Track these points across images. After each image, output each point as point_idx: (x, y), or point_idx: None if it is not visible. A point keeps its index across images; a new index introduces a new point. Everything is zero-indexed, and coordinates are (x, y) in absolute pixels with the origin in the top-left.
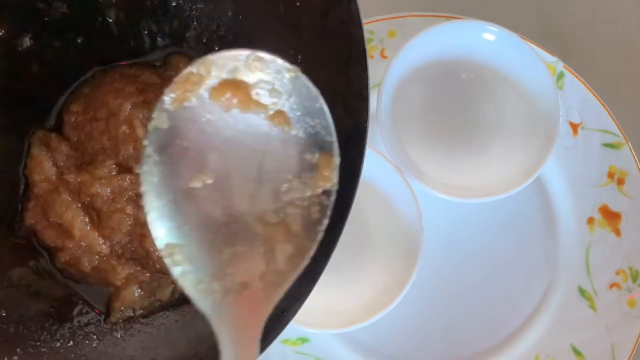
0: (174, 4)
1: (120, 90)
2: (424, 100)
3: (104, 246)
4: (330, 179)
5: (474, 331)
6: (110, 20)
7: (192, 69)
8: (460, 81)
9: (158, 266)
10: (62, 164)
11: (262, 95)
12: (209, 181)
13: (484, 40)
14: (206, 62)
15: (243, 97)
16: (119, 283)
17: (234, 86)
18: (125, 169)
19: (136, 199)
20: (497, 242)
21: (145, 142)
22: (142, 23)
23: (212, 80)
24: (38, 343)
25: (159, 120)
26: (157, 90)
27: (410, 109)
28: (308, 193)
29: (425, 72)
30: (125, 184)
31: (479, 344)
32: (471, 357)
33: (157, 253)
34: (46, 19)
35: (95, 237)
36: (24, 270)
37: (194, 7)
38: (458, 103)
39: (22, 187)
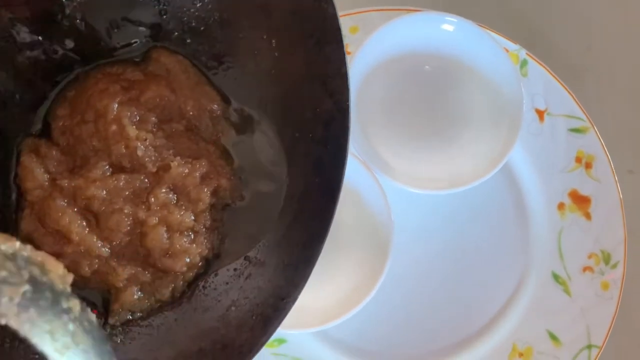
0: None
1: (104, 90)
2: (389, 94)
3: (103, 249)
4: None
5: (450, 322)
6: (77, 20)
7: None
8: (424, 73)
9: (160, 264)
10: (53, 169)
11: None
12: None
13: (444, 31)
14: None
15: None
16: (121, 284)
17: None
18: (119, 168)
19: (133, 198)
20: (469, 232)
21: None
22: (110, 20)
23: None
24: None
25: None
26: (142, 87)
27: (375, 104)
28: None
29: (388, 66)
30: (121, 183)
31: (455, 335)
32: (448, 348)
33: (157, 250)
34: (10, 27)
35: (95, 240)
36: None
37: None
38: (422, 95)
39: (14, 196)
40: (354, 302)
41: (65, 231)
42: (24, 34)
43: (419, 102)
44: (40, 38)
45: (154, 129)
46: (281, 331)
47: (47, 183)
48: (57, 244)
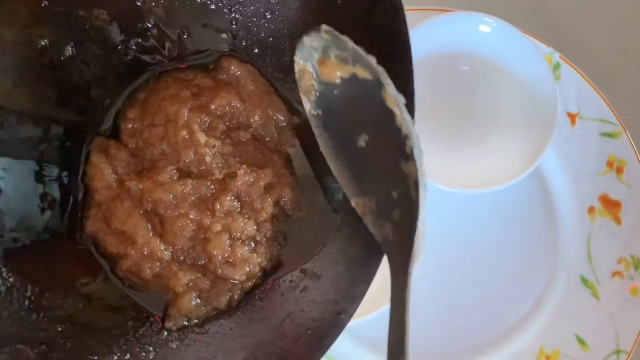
0: (213, 7)
1: (176, 95)
2: (423, 93)
3: (166, 252)
4: None
5: (478, 323)
6: (151, 26)
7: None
8: (458, 74)
9: (220, 271)
10: (122, 171)
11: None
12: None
13: (481, 32)
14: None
15: (338, 69)
16: (181, 290)
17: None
18: (187, 174)
19: (199, 204)
20: (499, 234)
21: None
22: (182, 27)
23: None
24: (95, 357)
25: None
26: (212, 94)
27: None
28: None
29: (424, 65)
30: (188, 189)
31: (483, 336)
32: (475, 349)
33: (219, 257)
34: (87, 26)
35: (158, 243)
36: (82, 283)
37: (233, 8)
38: (457, 95)
39: (82, 195)
40: (384, 299)
41: (131, 233)
42: (115, 34)
43: (453, 102)
44: (125, 38)
45: (222, 137)
46: None
47: (115, 184)
48: (121, 244)
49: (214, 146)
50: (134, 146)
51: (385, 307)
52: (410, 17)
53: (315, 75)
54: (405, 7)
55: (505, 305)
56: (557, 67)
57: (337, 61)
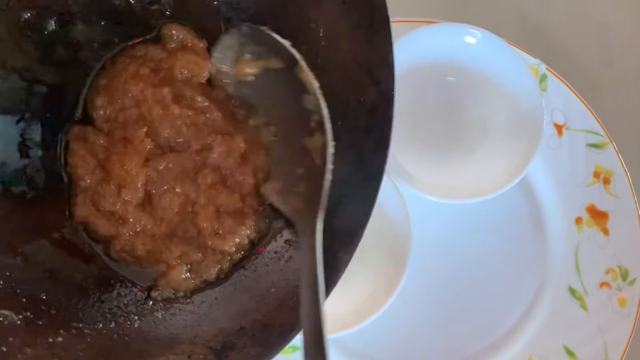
0: None
1: (136, 74)
2: (410, 104)
3: (157, 227)
4: None
5: (466, 334)
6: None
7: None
8: (445, 84)
9: (210, 243)
10: (102, 155)
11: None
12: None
13: (466, 43)
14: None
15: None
16: (174, 262)
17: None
18: (169, 148)
19: (183, 178)
20: (486, 244)
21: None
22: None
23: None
24: (80, 325)
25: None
26: (169, 63)
27: (397, 112)
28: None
29: (410, 76)
30: (171, 164)
31: (471, 347)
32: None
33: (208, 229)
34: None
35: (149, 219)
36: (67, 257)
37: None
38: (443, 106)
39: (67, 183)
40: (370, 311)
41: (121, 212)
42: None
43: (440, 112)
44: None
45: (189, 104)
46: (295, 338)
47: (98, 169)
48: (112, 225)
49: (188, 115)
50: (109, 130)
51: (370, 319)
52: (396, 28)
53: (230, 74)
54: (391, 19)
55: (493, 316)
56: (543, 78)
57: (251, 58)
